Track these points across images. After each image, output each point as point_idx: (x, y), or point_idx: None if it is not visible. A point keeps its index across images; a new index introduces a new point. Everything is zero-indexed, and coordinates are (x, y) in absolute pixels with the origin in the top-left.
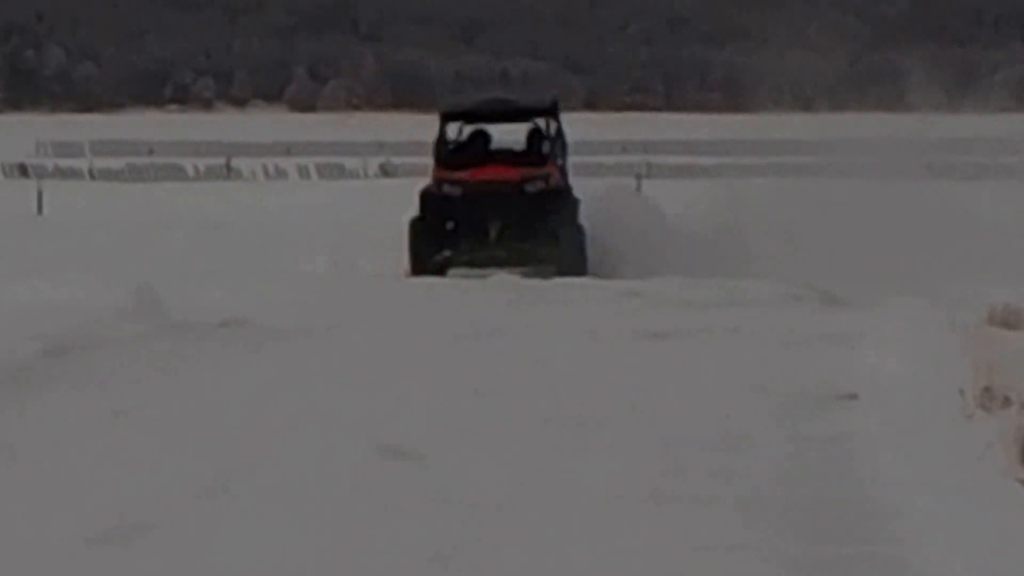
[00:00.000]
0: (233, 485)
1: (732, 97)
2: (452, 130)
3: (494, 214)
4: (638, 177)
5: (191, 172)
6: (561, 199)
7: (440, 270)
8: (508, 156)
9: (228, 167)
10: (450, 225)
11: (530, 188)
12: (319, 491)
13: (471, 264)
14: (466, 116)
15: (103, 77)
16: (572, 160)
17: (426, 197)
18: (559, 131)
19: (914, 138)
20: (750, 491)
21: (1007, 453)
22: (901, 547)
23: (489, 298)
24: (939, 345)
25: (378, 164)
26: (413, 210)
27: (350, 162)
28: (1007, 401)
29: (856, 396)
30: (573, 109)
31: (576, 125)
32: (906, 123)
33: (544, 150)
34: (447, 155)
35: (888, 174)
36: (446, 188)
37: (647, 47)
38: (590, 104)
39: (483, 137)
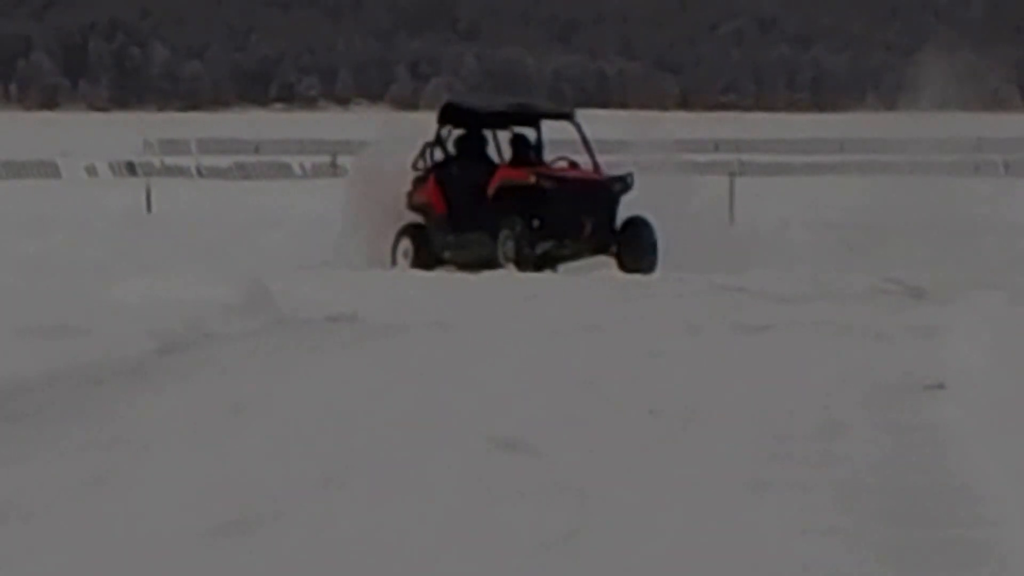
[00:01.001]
0: (351, 477)
1: (819, 96)
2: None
3: None
4: (731, 175)
5: (297, 170)
6: None
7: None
8: None
9: (334, 164)
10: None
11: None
12: (434, 482)
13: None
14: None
15: (208, 75)
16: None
17: None
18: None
19: (992, 137)
20: (845, 478)
21: None
22: (990, 530)
23: (585, 293)
24: (1022, 337)
25: None
26: None
27: None
28: None
29: (943, 386)
30: (666, 108)
31: (670, 123)
32: (986, 121)
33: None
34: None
35: (966, 171)
36: None
37: (737, 47)
38: (683, 103)
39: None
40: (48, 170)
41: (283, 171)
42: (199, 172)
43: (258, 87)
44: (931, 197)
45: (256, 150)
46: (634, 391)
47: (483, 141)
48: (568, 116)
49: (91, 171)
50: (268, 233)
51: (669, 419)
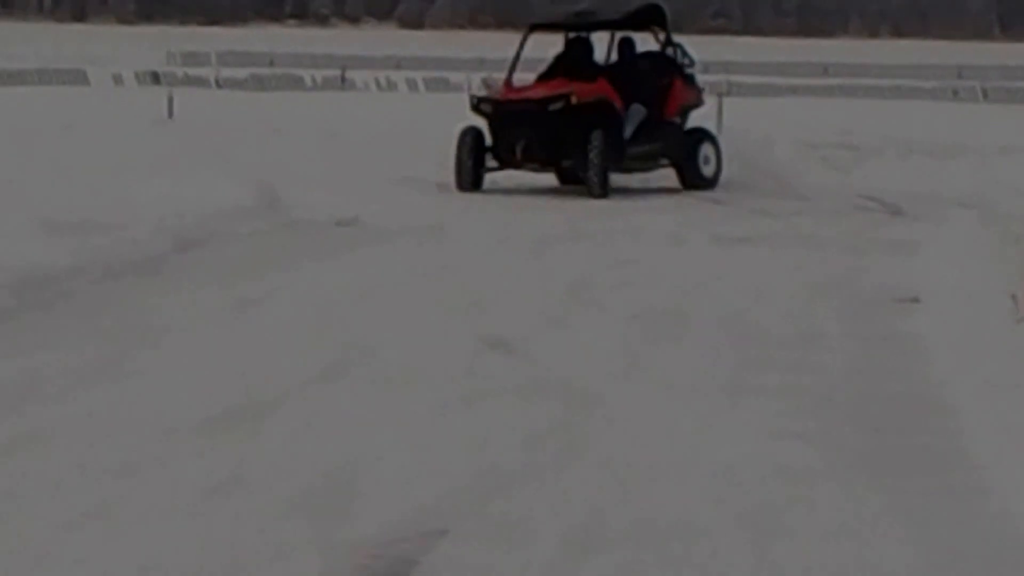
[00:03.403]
0: (351, 370)
1: (805, 22)
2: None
3: None
4: (720, 95)
5: (309, 82)
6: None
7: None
8: None
9: (343, 79)
10: None
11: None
12: (427, 376)
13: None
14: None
15: None
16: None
17: None
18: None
19: (972, 64)
20: (818, 385)
21: None
22: (955, 439)
23: (577, 203)
24: (993, 254)
25: (480, 78)
26: None
27: (454, 76)
28: None
29: (916, 299)
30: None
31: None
32: (967, 50)
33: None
34: None
35: (946, 97)
36: None
37: None
38: (675, 27)
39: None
40: (77, 78)
41: (296, 83)
42: (217, 83)
43: (274, 5)
44: (911, 120)
45: (271, 63)
46: (618, 296)
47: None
48: (655, 23)
49: (117, 80)
50: (280, 141)
51: (651, 323)
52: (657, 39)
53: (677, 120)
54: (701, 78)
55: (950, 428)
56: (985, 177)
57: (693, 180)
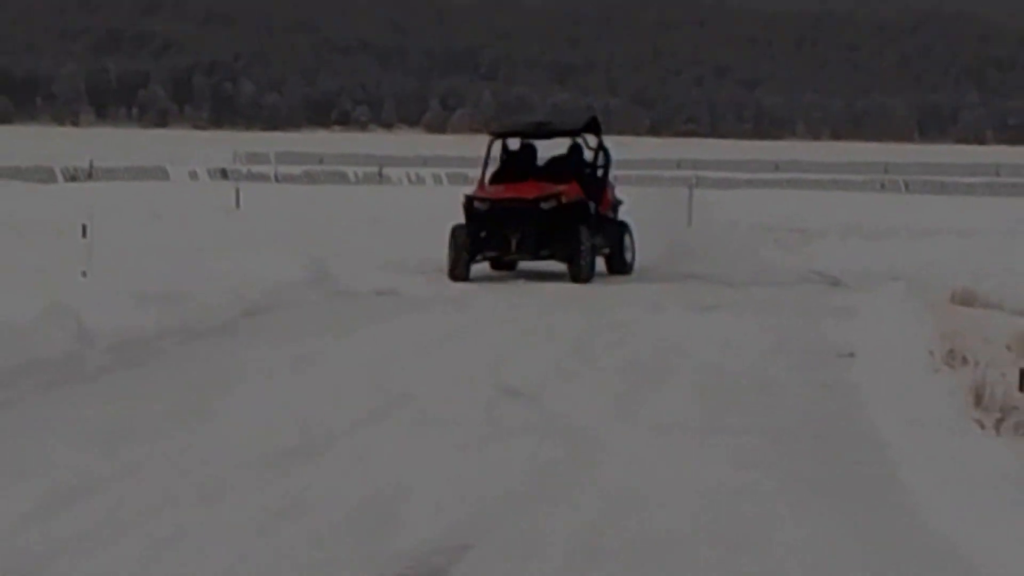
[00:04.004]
0: (392, 413)
1: (760, 127)
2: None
3: None
4: (690, 187)
5: (352, 177)
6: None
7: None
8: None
9: (380, 174)
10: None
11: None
12: (457, 418)
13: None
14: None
15: (284, 104)
16: (642, 172)
17: None
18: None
19: (896, 162)
20: (776, 425)
21: (965, 399)
22: (888, 466)
23: (563, 285)
24: (915, 318)
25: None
26: None
27: (472, 172)
28: (965, 360)
29: (854, 354)
30: (640, 134)
31: (642, 147)
32: (892, 150)
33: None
34: None
35: (875, 188)
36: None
37: (697, 88)
38: (654, 131)
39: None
40: (160, 174)
41: (341, 178)
42: (276, 178)
43: (322, 113)
44: (848, 208)
45: (320, 161)
46: (609, 353)
47: (519, 156)
48: (590, 130)
49: (193, 176)
50: (329, 226)
51: (639, 376)
52: (588, 145)
53: (611, 215)
54: (673, 173)
55: (882, 458)
56: (909, 255)
57: (618, 267)
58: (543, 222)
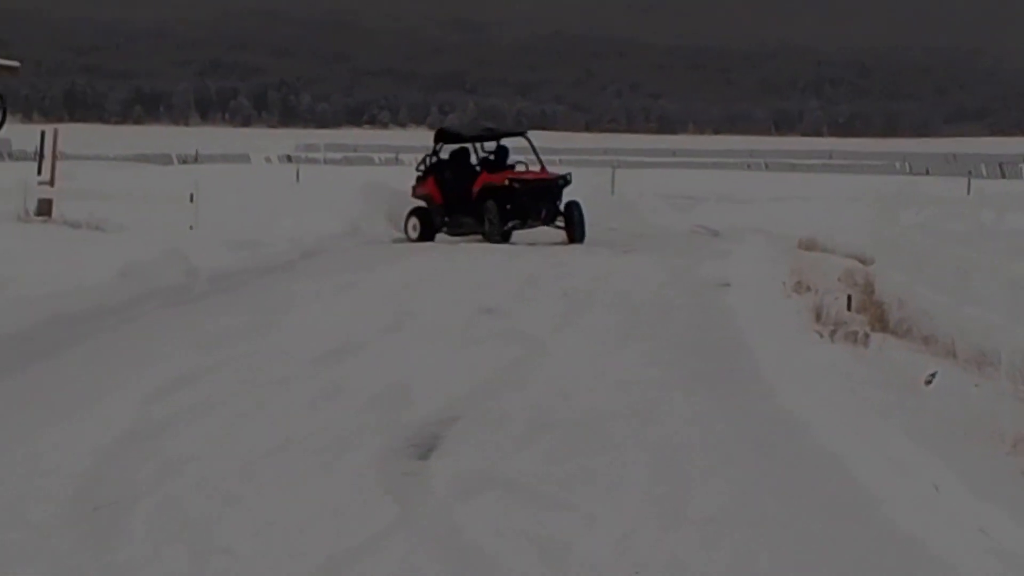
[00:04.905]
0: (403, 326)
1: (664, 124)
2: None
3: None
4: (612, 168)
5: (377, 161)
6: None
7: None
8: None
9: (396, 159)
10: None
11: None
12: (448, 329)
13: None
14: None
15: (330, 110)
16: (579, 158)
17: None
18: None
19: (756, 149)
20: (671, 334)
21: (808, 316)
22: (752, 363)
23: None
24: (772, 259)
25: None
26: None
27: None
28: (808, 288)
29: (728, 284)
30: (578, 131)
31: (579, 140)
32: (752, 141)
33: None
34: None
35: (743, 167)
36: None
37: (618, 98)
38: (587, 128)
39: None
40: (244, 159)
41: (368, 161)
42: (324, 161)
43: (355, 116)
44: (723, 182)
45: (355, 150)
46: (555, 283)
47: (467, 153)
48: (523, 134)
49: (267, 160)
50: (360, 194)
51: (575, 298)
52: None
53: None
54: (601, 158)
55: (748, 357)
56: (767, 215)
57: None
58: (557, 197)
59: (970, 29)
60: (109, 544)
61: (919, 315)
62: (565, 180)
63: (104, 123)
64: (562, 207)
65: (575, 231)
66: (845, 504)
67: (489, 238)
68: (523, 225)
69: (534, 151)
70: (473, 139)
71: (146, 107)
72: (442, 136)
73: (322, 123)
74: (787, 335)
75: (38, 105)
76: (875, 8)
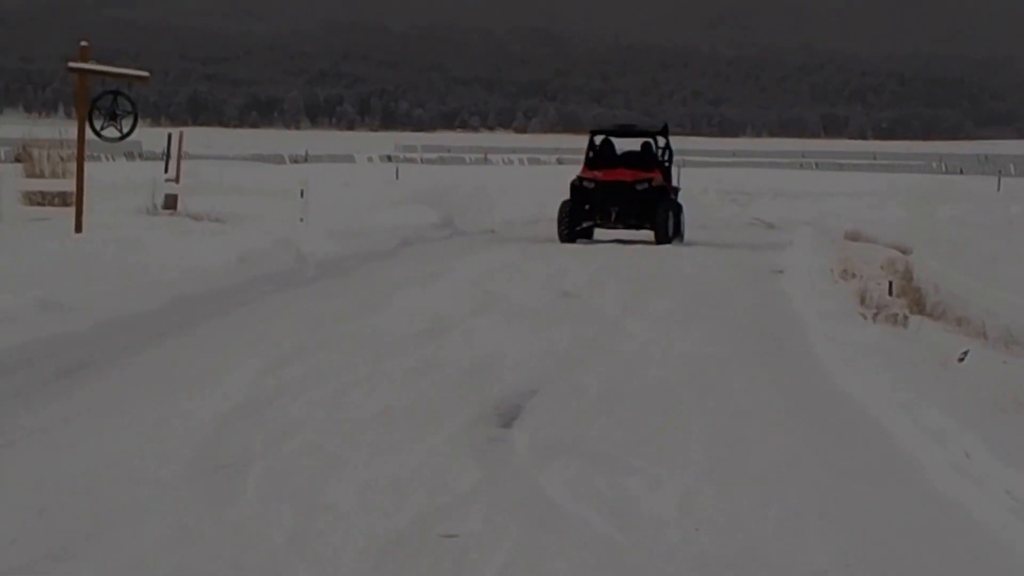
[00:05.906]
0: (489, 307)
1: (725, 128)
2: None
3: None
4: (679, 167)
5: (468, 160)
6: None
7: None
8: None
9: (485, 158)
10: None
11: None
12: (530, 311)
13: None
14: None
15: (426, 115)
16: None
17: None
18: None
19: (812, 150)
20: (731, 316)
21: (854, 300)
22: (804, 342)
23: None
24: (822, 248)
25: (555, 159)
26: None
27: (544, 157)
28: (853, 275)
29: (783, 271)
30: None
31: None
32: (804, 144)
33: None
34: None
35: (796, 167)
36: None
37: (683, 105)
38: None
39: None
40: (349, 159)
41: (460, 161)
42: (420, 161)
43: (448, 120)
44: (778, 179)
45: (448, 151)
46: (631, 271)
47: (610, 148)
48: (659, 133)
49: (370, 159)
50: (453, 191)
51: (645, 285)
52: (657, 144)
53: (673, 197)
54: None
55: (800, 336)
56: (817, 209)
57: (668, 238)
58: (636, 199)
59: (1000, 42)
60: (224, 500)
61: (953, 299)
62: (650, 184)
63: (223, 127)
64: (660, 210)
65: (657, 232)
66: (886, 468)
67: (559, 237)
68: (593, 226)
69: (656, 150)
70: (610, 133)
71: (261, 112)
72: (597, 132)
73: (419, 127)
74: (835, 317)
75: (165, 110)
76: (914, 24)
